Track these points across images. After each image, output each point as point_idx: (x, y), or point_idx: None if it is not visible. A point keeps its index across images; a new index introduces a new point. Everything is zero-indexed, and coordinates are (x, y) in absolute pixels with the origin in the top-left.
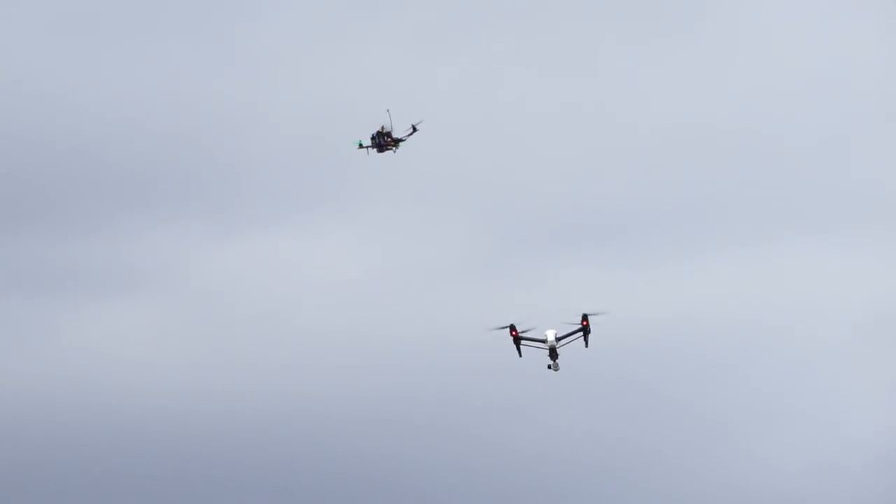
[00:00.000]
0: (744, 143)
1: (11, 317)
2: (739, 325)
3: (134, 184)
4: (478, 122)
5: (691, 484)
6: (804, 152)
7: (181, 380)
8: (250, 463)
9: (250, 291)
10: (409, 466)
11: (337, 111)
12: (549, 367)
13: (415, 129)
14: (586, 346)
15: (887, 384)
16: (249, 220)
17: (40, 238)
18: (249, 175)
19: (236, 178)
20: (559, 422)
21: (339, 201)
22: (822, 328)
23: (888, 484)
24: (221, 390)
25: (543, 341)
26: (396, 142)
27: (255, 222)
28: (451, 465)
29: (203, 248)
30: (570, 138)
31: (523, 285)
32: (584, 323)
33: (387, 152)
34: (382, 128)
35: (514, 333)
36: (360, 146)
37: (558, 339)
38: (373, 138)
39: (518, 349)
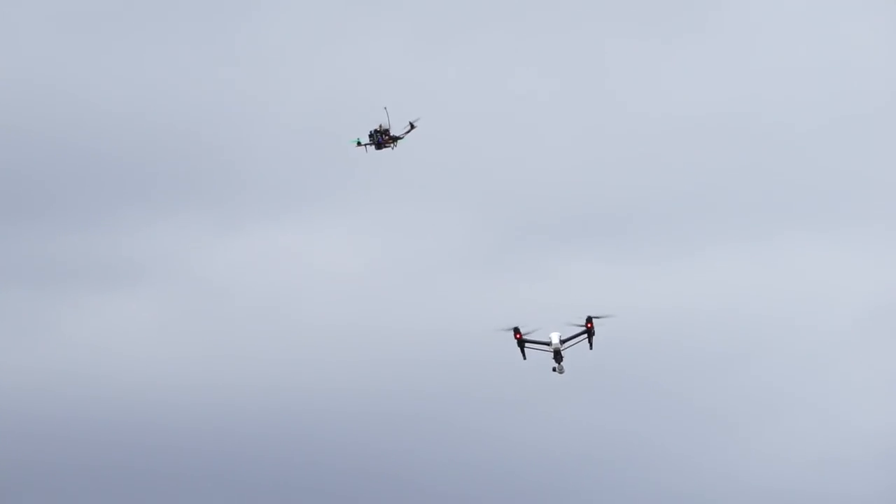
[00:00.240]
0: (746, 139)
1: (12, 310)
2: (742, 319)
3: (135, 178)
4: (480, 116)
5: (693, 477)
6: (806, 148)
7: (182, 373)
8: (251, 455)
9: (251, 285)
10: (410, 459)
11: (338, 106)
12: (555, 369)
13: (412, 127)
14: (591, 347)
15: (888, 378)
16: (250, 214)
17: (41, 232)
18: (250, 169)
19: (237, 172)
20: (561, 415)
21: (340, 195)
22: (825, 322)
23: (890, 476)
24: (222, 383)
25: (548, 344)
26: (394, 139)
27: (255, 216)
28: (452, 458)
29: (204, 242)
30: (572, 133)
31: (525, 279)
32: (589, 325)
33: (385, 150)
34: (380, 125)
35: (518, 336)
36: (359, 143)
37: (563, 342)
38: (371, 136)
39: (522, 352)
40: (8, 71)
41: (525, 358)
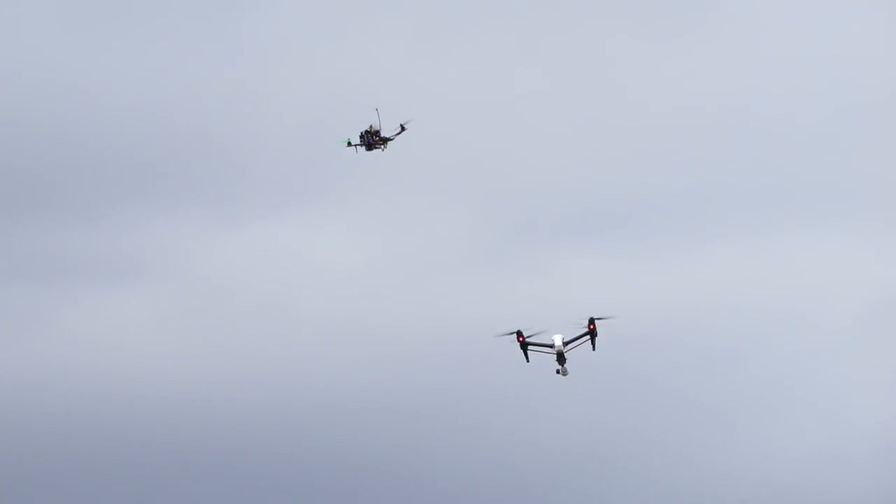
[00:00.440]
0: (747, 133)
1: (12, 306)
2: (741, 314)
3: (135, 174)
4: (479, 113)
5: (692, 473)
6: (807, 142)
7: (181, 369)
8: (250, 452)
9: (251, 282)
10: (410, 457)
11: (339, 101)
12: (558, 371)
13: (403, 129)
14: (593, 349)
15: (889, 373)
16: (250, 210)
17: (41, 228)
18: (251, 165)
19: (237, 168)
20: (561, 412)
21: (341, 192)
22: (826, 318)
23: (890, 472)
24: (222, 379)
25: (550, 346)
26: (385, 140)
27: (256, 213)
28: (453, 455)
29: (204, 239)
30: (572, 128)
31: (525, 275)
32: (591, 327)
33: (375, 150)
34: (371, 126)
35: (520, 339)
36: (349, 144)
37: (565, 344)
38: (361, 136)
39: (525, 355)
40: (8, 66)
41: (528, 361)
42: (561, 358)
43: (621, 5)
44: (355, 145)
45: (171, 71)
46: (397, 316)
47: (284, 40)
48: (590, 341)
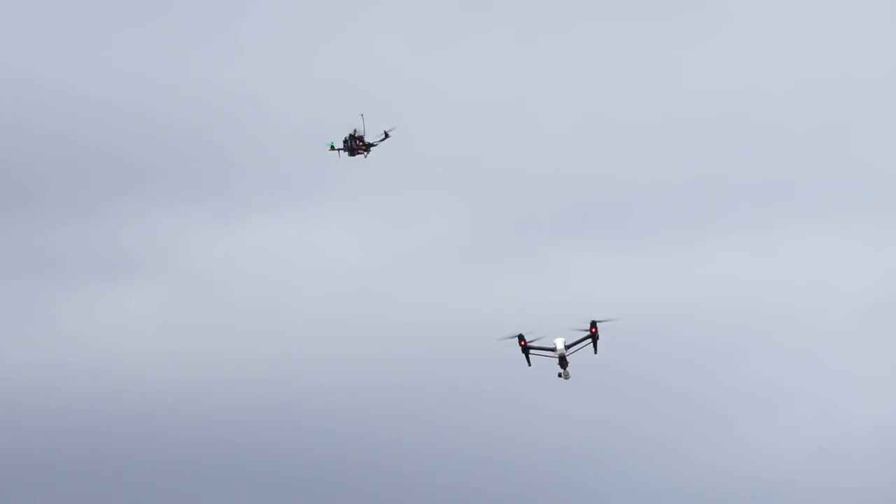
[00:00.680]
0: (746, 129)
1: (11, 301)
2: (741, 310)
3: (134, 169)
4: (479, 109)
5: (692, 468)
6: (807, 139)
7: (181, 364)
8: (250, 448)
9: (250, 277)
10: (410, 453)
11: (337, 97)
12: (560, 375)
13: (387, 135)
14: (595, 352)
15: (889, 369)
16: (250, 205)
17: (41, 222)
18: (250, 161)
19: (237, 163)
20: (561, 407)
21: (340, 188)
22: (825, 313)
23: (890, 467)
24: (221, 375)
25: (553, 350)
26: (368, 146)
27: (255, 208)
28: (453, 451)
29: (204, 234)
30: (572, 124)
31: (525, 271)
32: (593, 330)
33: (357, 156)
34: (355, 131)
35: (522, 343)
36: (332, 148)
37: (567, 347)
38: (345, 142)
39: (527, 358)
40: (9, 63)
41: (530, 364)
42: (563, 361)
43: (621, 2)
44: (338, 150)
45: (170, 67)
46: (397, 312)
47: (284, 36)
48: (591, 345)
